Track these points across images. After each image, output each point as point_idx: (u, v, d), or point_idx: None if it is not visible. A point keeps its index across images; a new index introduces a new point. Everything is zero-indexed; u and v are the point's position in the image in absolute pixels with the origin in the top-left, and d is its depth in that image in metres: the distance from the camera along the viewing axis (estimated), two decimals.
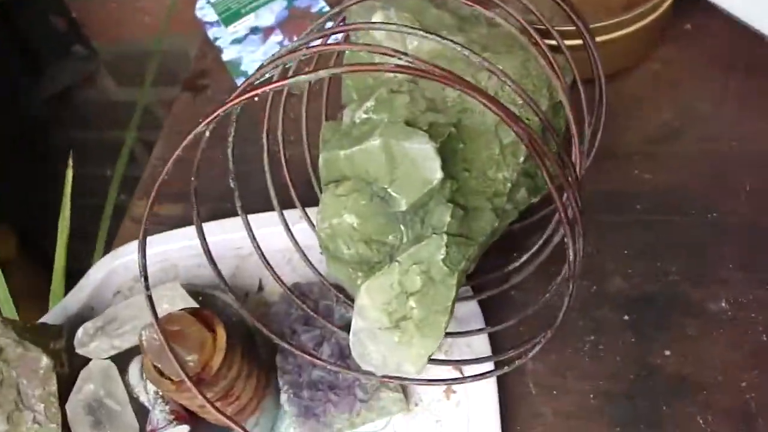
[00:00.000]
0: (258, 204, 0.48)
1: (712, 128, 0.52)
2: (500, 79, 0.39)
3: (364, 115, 0.36)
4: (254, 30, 0.67)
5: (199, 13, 0.71)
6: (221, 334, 0.38)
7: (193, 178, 0.36)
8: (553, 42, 0.40)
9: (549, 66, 0.37)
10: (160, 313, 0.45)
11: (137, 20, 1.04)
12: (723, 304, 0.44)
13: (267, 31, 0.67)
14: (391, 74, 0.39)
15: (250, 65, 0.65)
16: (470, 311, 0.45)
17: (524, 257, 0.43)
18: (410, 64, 0.28)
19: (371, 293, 0.36)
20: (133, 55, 1.11)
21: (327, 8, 0.67)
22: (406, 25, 0.31)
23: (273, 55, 0.32)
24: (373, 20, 0.42)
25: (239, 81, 0.64)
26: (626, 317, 0.45)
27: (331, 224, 0.38)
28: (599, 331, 0.45)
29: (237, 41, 0.67)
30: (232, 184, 0.42)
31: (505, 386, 0.44)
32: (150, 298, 0.35)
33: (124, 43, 1.09)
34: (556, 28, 0.51)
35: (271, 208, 0.47)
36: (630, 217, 0.49)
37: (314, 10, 0.67)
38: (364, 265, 0.38)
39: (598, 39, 0.51)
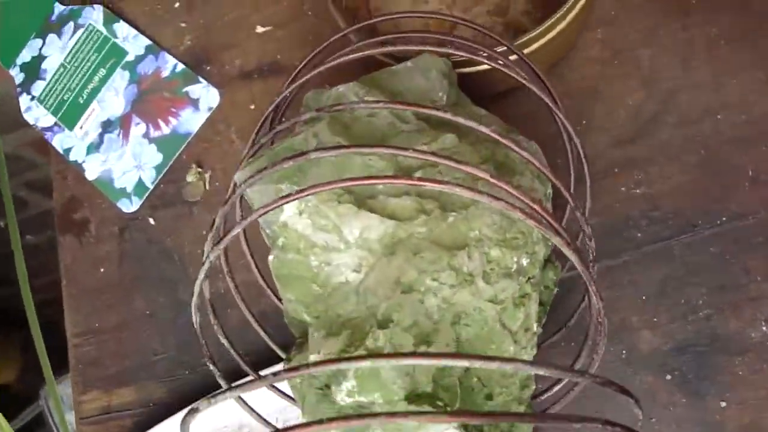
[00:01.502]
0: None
1: (687, 102, 0.44)
2: (482, 252, 0.31)
3: (349, 399, 0.28)
4: (107, 125, 0.54)
5: (28, 118, 0.56)
6: None
7: None
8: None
9: (543, 227, 0.29)
10: None
11: None
12: (764, 328, 0.40)
13: (124, 122, 0.53)
14: (344, 301, 0.30)
15: (124, 179, 0.52)
16: None
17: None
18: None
19: None
20: None
21: (181, 67, 0.53)
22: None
23: None
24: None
25: (121, 203, 0.52)
26: (669, 377, 0.41)
27: None
28: (646, 402, 0.41)
29: (94, 148, 0.53)
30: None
31: None
32: None
33: None
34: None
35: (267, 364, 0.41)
36: (633, 252, 0.43)
37: (165, 74, 0.53)
38: None
39: (527, 51, 0.41)
